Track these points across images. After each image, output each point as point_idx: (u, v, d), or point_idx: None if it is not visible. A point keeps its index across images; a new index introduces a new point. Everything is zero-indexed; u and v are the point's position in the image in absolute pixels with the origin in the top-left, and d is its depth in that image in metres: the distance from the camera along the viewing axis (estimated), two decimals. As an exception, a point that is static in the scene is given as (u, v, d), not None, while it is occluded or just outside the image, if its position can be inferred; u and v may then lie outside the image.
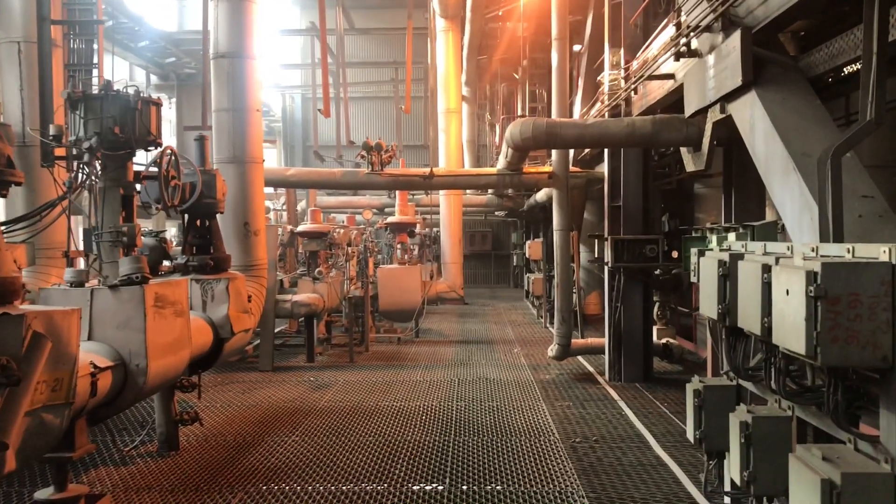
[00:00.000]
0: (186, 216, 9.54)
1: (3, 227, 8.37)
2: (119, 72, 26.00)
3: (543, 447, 8.75)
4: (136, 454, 8.42)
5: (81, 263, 8.20)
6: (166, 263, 9.73)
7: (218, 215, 9.76)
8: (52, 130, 6.96)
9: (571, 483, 7.51)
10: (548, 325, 19.48)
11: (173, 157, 7.81)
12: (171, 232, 20.61)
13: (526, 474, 7.79)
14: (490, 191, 24.46)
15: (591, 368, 13.70)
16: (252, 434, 9.35)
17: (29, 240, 8.95)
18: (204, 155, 9.75)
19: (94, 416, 6.65)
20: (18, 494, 7.01)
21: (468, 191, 24.54)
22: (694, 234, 9.61)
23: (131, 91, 7.10)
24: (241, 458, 8.32)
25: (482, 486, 7.44)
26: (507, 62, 27.97)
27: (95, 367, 6.25)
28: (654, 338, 13.51)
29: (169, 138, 26.38)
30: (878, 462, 3.54)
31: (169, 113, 27.41)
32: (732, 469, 4.86)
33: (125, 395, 6.79)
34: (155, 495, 7.13)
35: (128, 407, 7.22)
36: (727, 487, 5.48)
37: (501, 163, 14.81)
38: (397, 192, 19.58)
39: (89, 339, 6.79)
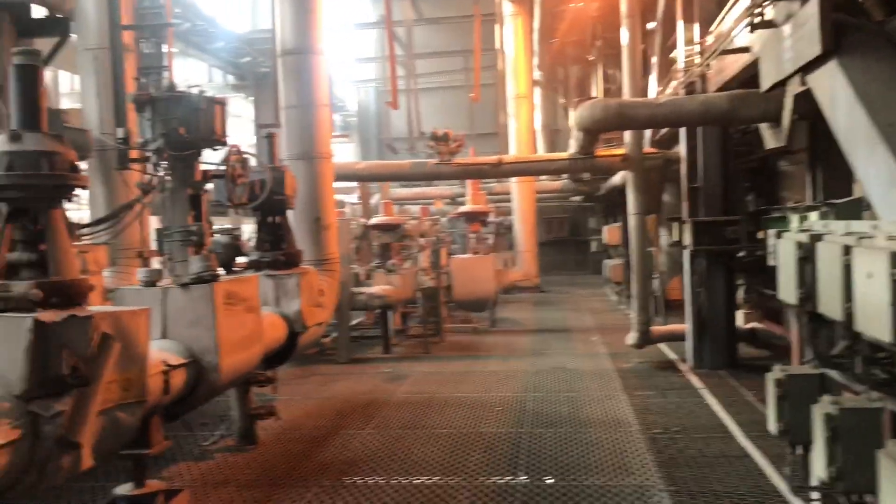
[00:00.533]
0: (259, 213, 9.66)
1: (83, 230, 8.64)
2: (197, 73, 26.64)
3: (622, 439, 8.51)
4: (215, 449, 8.58)
5: (157, 263, 8.39)
6: (241, 260, 9.89)
7: (289, 211, 9.85)
8: (119, 133, 7.10)
9: (651, 476, 7.27)
10: (628, 312, 19.03)
11: (240, 156, 7.88)
12: (249, 229, 21.01)
13: (603, 467, 7.58)
14: (565, 176, 24.07)
15: (672, 356, 13.30)
16: (328, 427, 9.41)
17: (109, 241, 9.23)
18: (273, 152, 9.84)
19: (169, 412, 6.77)
20: (101, 489, 7.22)
21: (542, 177, 24.21)
22: (775, 215, 9.16)
23: (195, 91, 7.18)
24: (317, 451, 8.38)
25: (558, 479, 7.27)
26: (579, 44, 27.45)
27: (168, 364, 6.35)
28: (740, 322, 13.01)
29: (248, 137, 26.94)
30: (978, 459, 3.23)
31: (248, 112, 27.99)
32: (818, 464, 4.56)
33: (199, 392, 6.89)
34: (232, 490, 7.24)
35: (202, 403, 7.33)
36: (814, 482, 5.16)
37: (573, 147, 14.50)
38: (468, 182, 19.46)
39: (164, 336, 6.92)
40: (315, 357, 14.15)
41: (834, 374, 4.94)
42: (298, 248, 9.88)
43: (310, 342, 9.97)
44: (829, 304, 4.15)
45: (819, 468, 4.55)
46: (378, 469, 7.72)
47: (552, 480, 7.25)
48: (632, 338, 13.07)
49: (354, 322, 15.87)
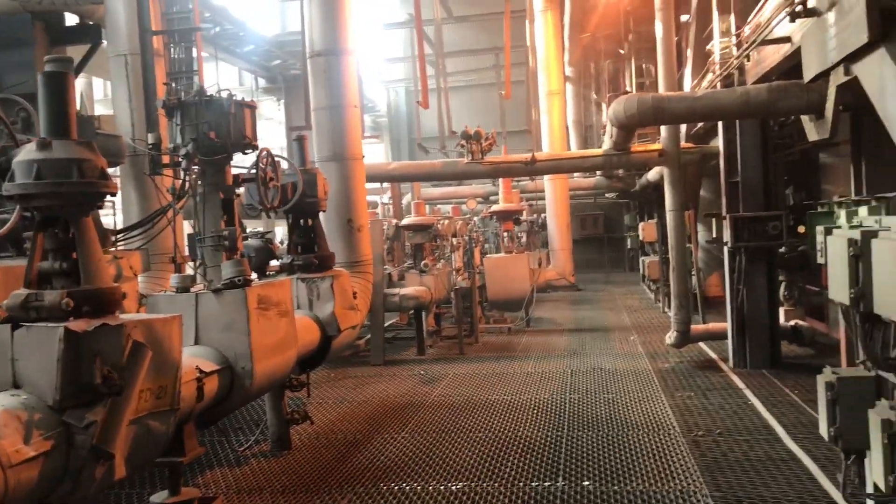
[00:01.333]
0: (291, 216, 9.62)
1: (117, 236, 8.65)
2: (228, 77, 26.80)
3: (663, 442, 8.30)
4: (250, 454, 8.53)
5: (190, 269, 8.37)
6: (274, 263, 9.86)
7: (321, 213, 9.79)
8: (150, 139, 7.08)
9: (694, 481, 7.06)
10: (666, 309, 18.73)
11: (270, 159, 7.82)
12: (281, 232, 21.07)
13: (645, 471, 7.39)
14: (598, 172, 23.79)
15: (713, 355, 13.02)
16: (362, 431, 9.32)
17: (143, 246, 9.24)
18: (304, 154, 9.79)
19: (202, 419, 6.73)
20: (139, 496, 7.21)
21: (575, 174, 23.95)
22: (820, 209, 8.87)
23: (224, 95, 7.14)
24: (352, 457, 8.29)
25: (598, 484, 7.10)
26: (611, 38, 27.09)
27: (201, 371, 6.30)
28: (782, 320, 12.70)
29: (280, 140, 27.05)
30: None
31: (278, 115, 28.13)
32: (875, 472, 4.35)
33: (233, 398, 6.85)
34: (266, 496, 7.17)
35: (236, 409, 7.28)
36: (869, 489, 4.94)
37: (607, 143, 14.28)
38: (501, 180, 19.29)
39: (197, 343, 6.89)
40: (348, 359, 14.10)
41: (890, 376, 4.71)
42: (331, 250, 9.82)
43: (343, 345, 9.91)
44: (887, 304, 3.94)
45: (876, 475, 4.34)
46: (414, 475, 7.60)
47: (592, 486, 7.07)
48: (671, 337, 12.82)
49: (388, 323, 15.80)
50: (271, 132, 28.77)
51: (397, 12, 34.85)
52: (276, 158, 8.04)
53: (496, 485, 7.21)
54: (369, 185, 20.85)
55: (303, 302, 9.19)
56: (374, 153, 33.11)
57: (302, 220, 9.61)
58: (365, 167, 11.71)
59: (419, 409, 10.29)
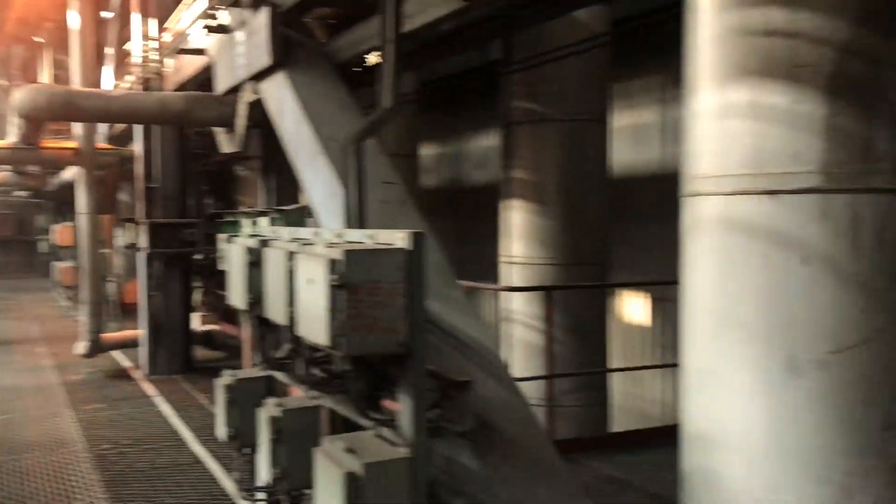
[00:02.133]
0: None
1: None
2: None
3: (65, 460, 7.71)
4: None
5: None
6: None
7: None
8: None
9: (96, 497, 6.69)
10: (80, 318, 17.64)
11: None
12: None
13: (41, 496, 6.73)
14: (7, 167, 21.30)
15: (127, 363, 12.65)
16: None
17: None
18: None
19: None
20: None
21: (-22, 167, 21.04)
22: (229, 219, 9.33)
23: None
24: None
25: (-19, 520, 6.23)
26: (26, 22, 24.51)
27: None
28: (197, 325, 12.99)
29: None
30: (396, 446, 3.57)
31: None
32: (263, 465, 4.64)
33: None
34: None
35: None
36: (261, 483, 5.27)
37: (14, 135, 12.82)
38: None
39: None
40: None
41: (279, 375, 5.09)
42: None
43: None
44: (275, 308, 4.23)
45: (265, 469, 4.63)
46: None
47: (-25, 523, 6.18)
48: (81, 347, 12.07)
49: None
50: None
51: None
52: None
53: None
54: None
55: None
56: None
57: None
58: None
59: None
